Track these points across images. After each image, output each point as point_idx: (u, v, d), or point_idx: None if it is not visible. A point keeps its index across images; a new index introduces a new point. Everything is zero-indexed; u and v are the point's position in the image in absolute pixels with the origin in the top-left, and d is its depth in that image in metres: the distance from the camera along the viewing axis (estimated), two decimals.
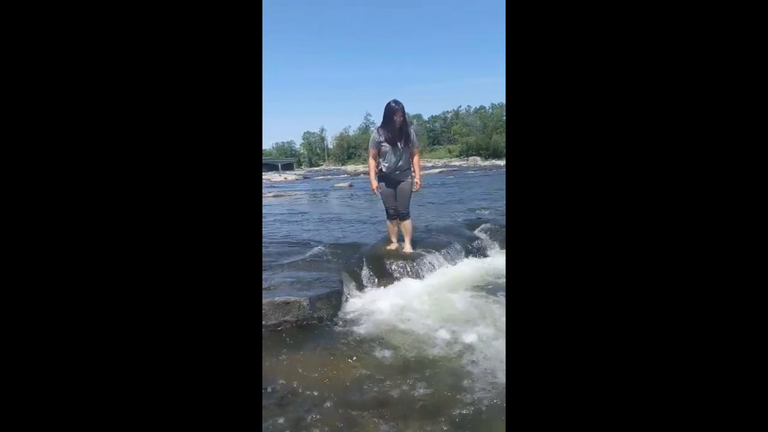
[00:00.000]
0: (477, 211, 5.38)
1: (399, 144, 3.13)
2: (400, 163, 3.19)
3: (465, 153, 48.68)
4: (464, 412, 1.46)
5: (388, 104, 3.07)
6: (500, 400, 1.50)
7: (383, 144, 3.12)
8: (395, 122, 3.06)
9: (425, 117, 67.82)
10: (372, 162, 3.25)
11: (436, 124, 66.54)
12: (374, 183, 3.25)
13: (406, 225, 3.33)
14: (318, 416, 1.46)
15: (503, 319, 2.24)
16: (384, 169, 3.18)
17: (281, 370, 1.77)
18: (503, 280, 2.93)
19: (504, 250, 3.71)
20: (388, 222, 3.37)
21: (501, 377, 1.65)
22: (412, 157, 3.24)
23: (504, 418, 1.37)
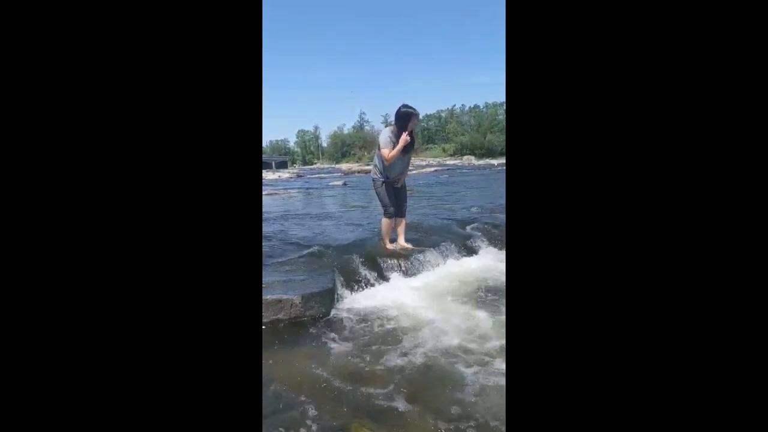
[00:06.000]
0: (470, 210, 5.39)
1: (408, 150, 3.14)
2: (405, 168, 3.24)
3: (459, 152, 48.80)
4: (460, 412, 1.45)
5: (407, 109, 3.03)
6: (498, 400, 1.50)
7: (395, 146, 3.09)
8: (411, 129, 3.05)
9: (420, 116, 67.75)
10: (386, 153, 3.04)
11: (431, 123, 66.54)
12: (403, 142, 3.00)
13: (402, 224, 3.35)
14: (308, 414, 1.45)
15: (499, 317, 2.25)
16: (393, 172, 3.18)
17: (273, 368, 1.76)
18: (497, 279, 2.94)
19: (496, 249, 3.73)
20: (382, 220, 3.37)
21: (498, 376, 1.66)
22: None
23: (503, 418, 1.38)
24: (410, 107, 3.06)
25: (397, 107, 3.09)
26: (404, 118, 3.05)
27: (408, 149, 3.14)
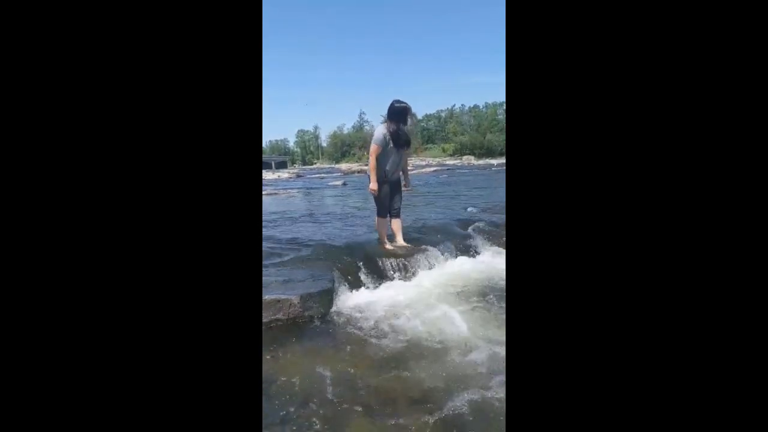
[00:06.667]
0: (469, 210, 5.39)
1: (403, 145, 3.14)
2: (400, 164, 3.23)
3: (459, 152, 48.83)
4: (460, 411, 1.45)
5: (400, 104, 3.02)
6: (496, 400, 1.50)
7: (389, 144, 3.08)
8: (407, 123, 3.05)
9: (420, 116, 67.79)
10: (374, 160, 3.10)
11: (431, 123, 66.52)
12: (375, 184, 3.14)
13: (398, 223, 3.35)
14: (307, 414, 1.45)
15: (498, 317, 2.25)
16: (387, 169, 3.16)
17: (271, 368, 1.76)
18: (496, 279, 2.94)
19: (496, 249, 3.73)
20: (378, 220, 3.37)
21: (497, 376, 1.66)
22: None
23: (503, 418, 1.38)
24: (403, 102, 3.05)
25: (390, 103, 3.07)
26: (400, 113, 3.03)
27: (401, 144, 3.13)
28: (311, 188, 12.68)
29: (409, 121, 3.07)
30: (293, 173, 25.74)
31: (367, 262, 3.02)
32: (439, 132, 63.72)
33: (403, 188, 3.39)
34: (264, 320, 2.18)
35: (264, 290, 2.33)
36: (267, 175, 21.53)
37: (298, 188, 12.60)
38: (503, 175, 14.56)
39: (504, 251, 3.66)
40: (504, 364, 1.72)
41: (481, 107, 62.56)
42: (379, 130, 3.11)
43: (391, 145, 3.08)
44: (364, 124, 66.35)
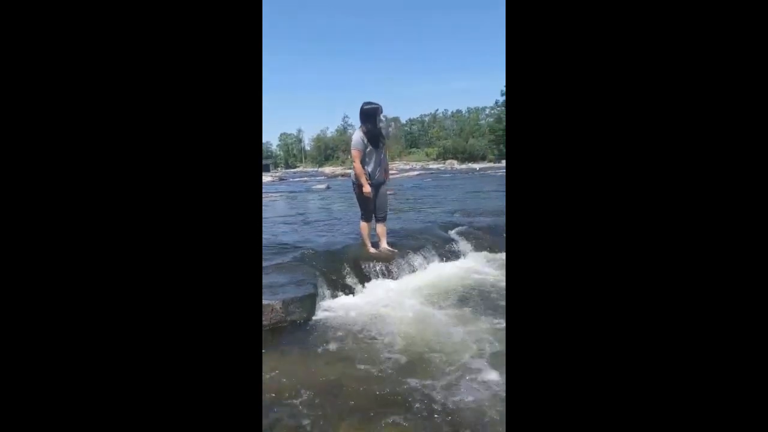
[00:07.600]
0: (453, 213, 5.43)
1: (380, 145, 3.13)
2: (381, 165, 3.20)
3: (442, 156, 49.32)
4: (444, 412, 1.43)
5: (370, 105, 3.03)
6: (487, 403, 1.49)
7: (368, 146, 3.08)
8: (378, 123, 3.06)
9: (403, 120, 68.22)
10: (359, 165, 3.08)
11: (414, 127, 66.97)
12: (368, 186, 3.11)
13: (382, 228, 3.34)
14: (289, 420, 1.42)
15: (483, 320, 2.24)
16: (370, 171, 3.14)
17: None
18: (480, 282, 2.96)
19: (479, 252, 3.75)
20: (362, 224, 3.35)
21: (481, 379, 1.65)
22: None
23: (500, 417, 1.37)
24: (374, 103, 3.05)
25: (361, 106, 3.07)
26: (371, 115, 3.03)
27: (378, 144, 3.12)
28: (294, 192, 12.57)
29: (392, 127, 3.09)
30: (276, 177, 25.46)
31: (351, 267, 2.99)
32: (422, 136, 64.17)
33: (387, 191, 3.38)
34: None
35: None
36: None
37: (281, 192, 12.47)
38: (487, 179, 14.76)
39: (487, 255, 3.70)
40: (499, 364, 1.72)
41: (463, 112, 63.36)
42: (356, 134, 3.10)
43: (370, 147, 3.08)
44: (348, 127, 66.31)
